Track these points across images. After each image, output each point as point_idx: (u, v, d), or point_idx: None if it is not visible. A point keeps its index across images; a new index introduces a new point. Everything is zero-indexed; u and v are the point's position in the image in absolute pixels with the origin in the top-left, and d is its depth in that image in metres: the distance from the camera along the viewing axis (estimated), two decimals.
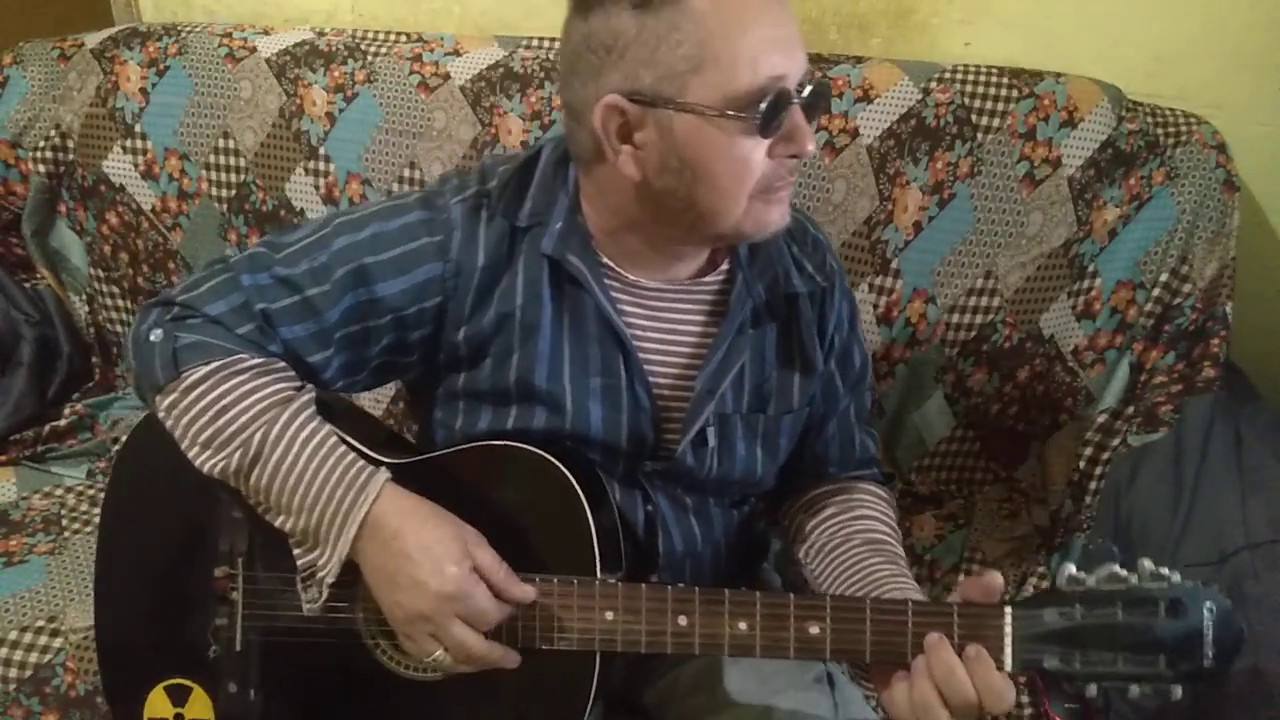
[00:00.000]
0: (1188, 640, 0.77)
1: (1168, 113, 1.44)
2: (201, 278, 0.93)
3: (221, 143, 1.64)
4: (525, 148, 1.51)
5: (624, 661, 0.90)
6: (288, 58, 1.62)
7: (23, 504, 1.53)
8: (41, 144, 1.70)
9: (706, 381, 0.98)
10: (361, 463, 0.89)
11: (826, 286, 1.04)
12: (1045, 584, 1.33)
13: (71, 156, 1.70)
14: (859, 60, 1.50)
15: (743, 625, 0.86)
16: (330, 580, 0.88)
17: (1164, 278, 1.40)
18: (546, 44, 1.58)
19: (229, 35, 1.67)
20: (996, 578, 0.82)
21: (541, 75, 1.54)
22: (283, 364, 0.92)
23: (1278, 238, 1.53)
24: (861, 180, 1.44)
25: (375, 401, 1.62)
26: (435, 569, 0.84)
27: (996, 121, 1.41)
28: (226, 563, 0.96)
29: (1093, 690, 0.79)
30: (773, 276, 1.01)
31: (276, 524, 0.89)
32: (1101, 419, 1.40)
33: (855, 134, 1.44)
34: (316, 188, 1.61)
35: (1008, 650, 0.80)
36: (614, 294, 0.97)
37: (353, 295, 0.92)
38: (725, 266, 1.00)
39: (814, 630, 0.85)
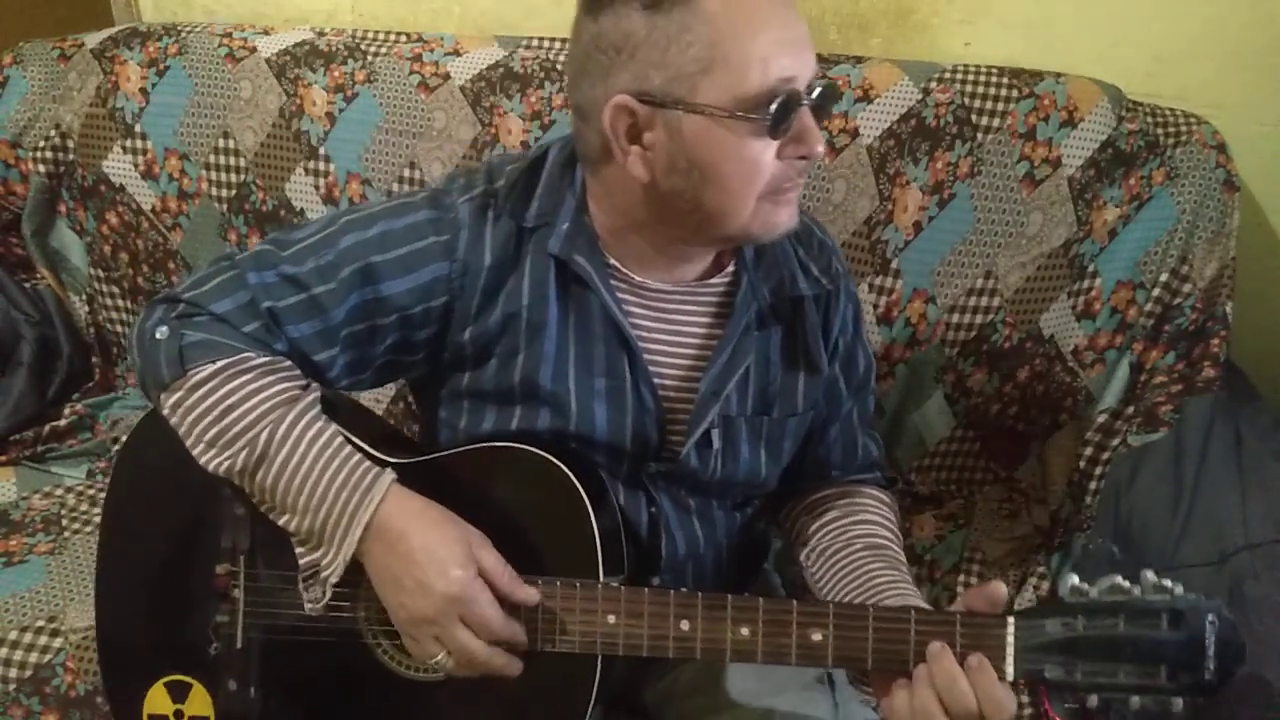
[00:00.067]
0: (1189, 653, 0.77)
1: (1168, 113, 1.44)
2: (207, 275, 0.92)
3: (221, 143, 1.64)
4: (525, 148, 1.53)
5: (624, 662, 0.90)
6: (288, 58, 1.62)
7: (23, 504, 1.53)
8: (41, 144, 1.70)
9: (711, 383, 0.98)
10: (367, 463, 0.89)
11: (832, 289, 1.04)
12: (1045, 584, 1.33)
13: (71, 156, 1.70)
14: (859, 60, 1.50)
15: (745, 631, 0.86)
16: (334, 580, 0.88)
17: (1164, 278, 1.40)
18: (546, 44, 1.58)
19: (229, 35, 1.67)
20: (1000, 588, 0.82)
21: (541, 75, 1.54)
22: (288, 363, 0.92)
23: (1278, 238, 1.53)
24: (861, 180, 1.44)
25: (375, 401, 1.62)
26: (441, 572, 0.84)
27: (996, 121, 1.41)
28: (228, 560, 0.96)
29: (1094, 701, 0.79)
30: (778, 279, 1.00)
31: (280, 523, 0.89)
32: (1101, 419, 1.40)
33: (855, 134, 1.44)
34: (316, 188, 1.61)
35: (1010, 660, 0.81)
36: (620, 295, 0.96)
37: (359, 294, 0.92)
38: (731, 268, 1.00)
39: (816, 637, 0.85)
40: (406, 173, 1.57)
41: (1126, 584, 0.79)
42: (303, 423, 0.88)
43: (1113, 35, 1.48)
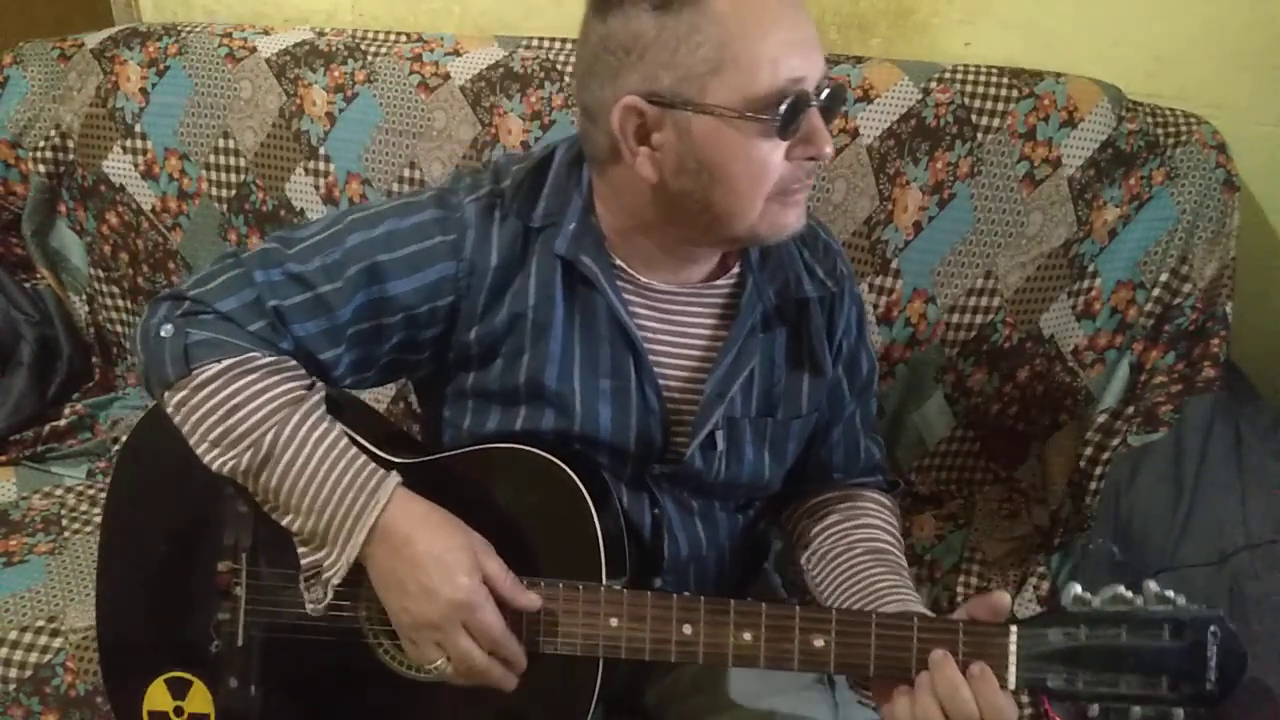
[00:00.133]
0: (1191, 663, 0.78)
1: (1168, 113, 1.44)
2: (213, 272, 0.92)
3: (221, 143, 1.64)
4: (525, 148, 1.53)
5: (626, 663, 0.90)
6: (288, 58, 1.62)
7: (23, 504, 1.53)
8: (41, 144, 1.70)
9: (716, 385, 0.98)
10: (373, 466, 0.89)
11: (836, 292, 1.04)
12: (1045, 584, 1.33)
13: (71, 156, 1.70)
14: (859, 60, 1.50)
15: (747, 636, 0.86)
16: (336, 582, 0.88)
17: (1164, 278, 1.40)
18: (546, 44, 1.58)
19: (229, 35, 1.67)
20: (1004, 598, 0.83)
21: (541, 75, 1.54)
22: (294, 362, 0.92)
23: (1278, 238, 1.53)
24: (861, 180, 1.44)
25: (375, 401, 1.62)
26: (447, 578, 0.84)
27: (996, 121, 1.41)
28: (230, 557, 0.96)
29: (1095, 710, 0.80)
30: (783, 281, 1.00)
31: (284, 523, 0.89)
32: (1101, 419, 1.40)
33: (855, 134, 1.44)
34: (316, 188, 1.61)
35: (1012, 669, 0.81)
36: (626, 296, 0.96)
37: (365, 293, 0.92)
38: (736, 270, 1.00)
39: (818, 643, 0.85)
40: (406, 173, 1.57)
41: (1129, 594, 0.79)
42: (308, 424, 0.88)
43: (1113, 35, 1.48)
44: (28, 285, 1.76)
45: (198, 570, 0.97)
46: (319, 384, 0.93)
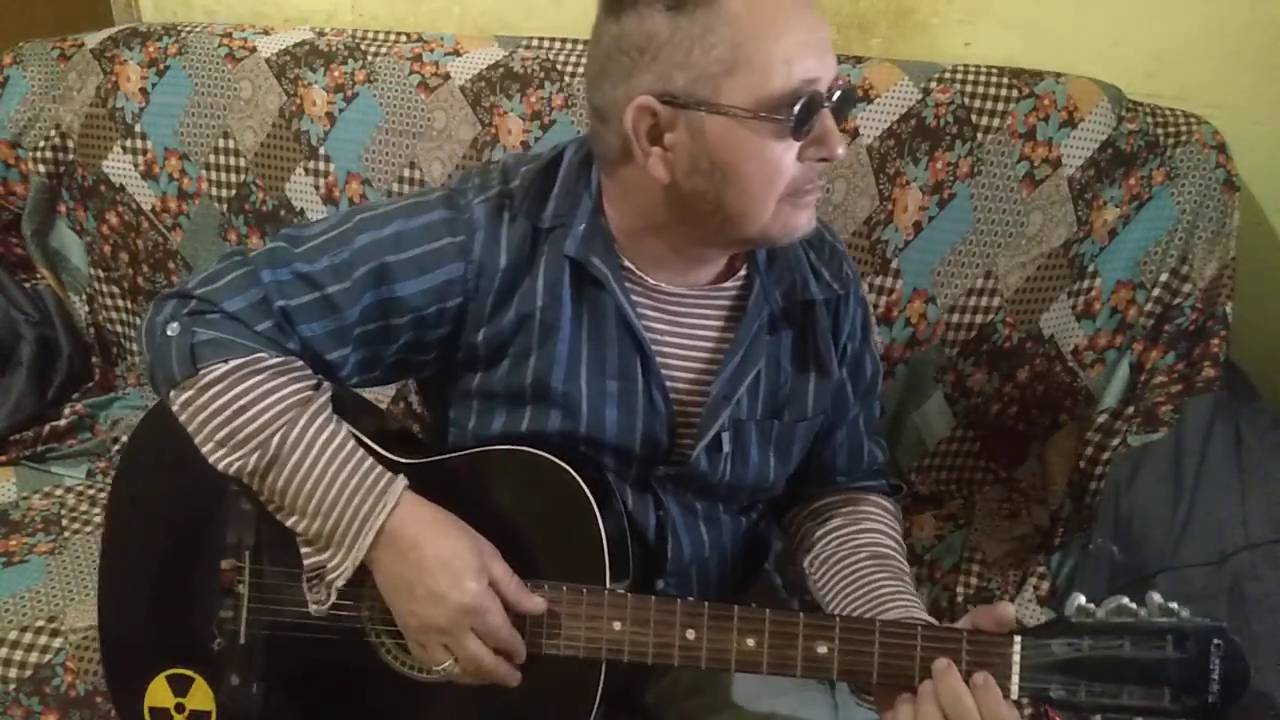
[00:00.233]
0: (1194, 676, 0.78)
1: (1168, 113, 1.44)
2: (219, 271, 0.92)
3: (221, 143, 1.64)
4: (525, 148, 1.53)
5: (627, 663, 0.90)
6: (288, 58, 1.62)
7: (23, 504, 1.53)
8: (41, 144, 1.70)
9: (722, 387, 0.98)
10: (380, 469, 0.89)
11: (842, 294, 1.04)
12: (1045, 584, 1.33)
13: (71, 156, 1.71)
14: (859, 60, 1.50)
15: (750, 642, 0.86)
16: (341, 583, 0.88)
17: (1164, 278, 1.40)
18: (546, 44, 1.58)
19: (229, 35, 1.67)
20: (1008, 609, 0.83)
21: (541, 75, 1.54)
22: (300, 362, 0.92)
23: (1278, 238, 1.53)
24: (861, 180, 1.44)
25: (375, 401, 1.61)
26: (455, 582, 0.84)
27: (996, 121, 1.41)
28: (234, 555, 0.96)
29: None
30: (790, 283, 1.00)
31: (289, 524, 0.89)
32: (1101, 419, 1.40)
33: (855, 134, 1.44)
34: (316, 188, 1.61)
35: (1015, 679, 0.81)
36: (634, 298, 0.96)
37: (373, 293, 0.92)
38: (743, 272, 1.00)
39: (822, 650, 0.85)
40: (406, 173, 1.57)
41: (1133, 605, 0.80)
42: (315, 425, 0.88)
43: (1113, 35, 1.48)
44: (28, 285, 1.76)
45: (201, 568, 0.97)
46: (326, 384, 0.92)
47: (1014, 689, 0.81)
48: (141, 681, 0.99)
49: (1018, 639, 0.81)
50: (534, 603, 0.88)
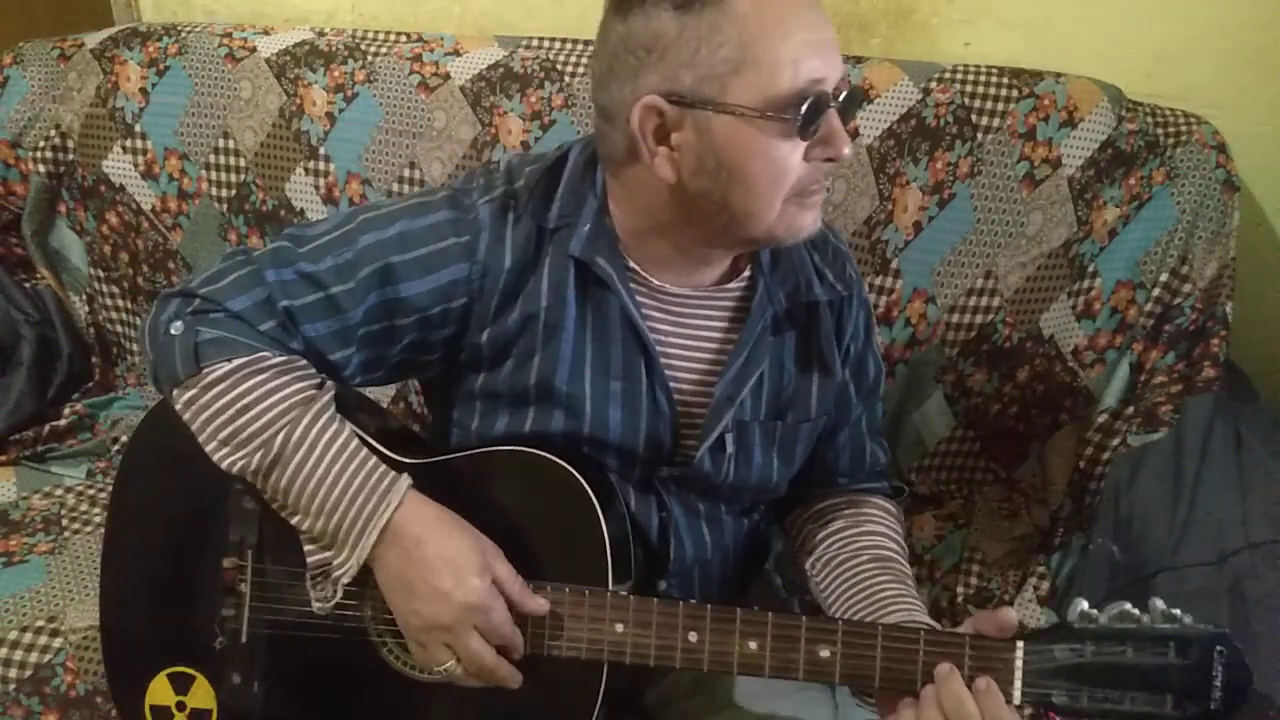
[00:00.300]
0: (1196, 682, 0.78)
1: (1168, 113, 1.44)
2: (223, 270, 0.91)
3: (221, 143, 1.64)
4: (525, 148, 1.53)
5: (629, 666, 0.90)
6: (288, 58, 1.62)
7: (23, 504, 1.53)
8: (41, 144, 1.70)
9: (726, 388, 0.98)
10: (384, 467, 0.89)
11: (846, 295, 1.04)
12: (1045, 584, 1.33)
13: (71, 156, 1.70)
14: (859, 60, 1.50)
15: (753, 645, 0.86)
16: (345, 582, 0.88)
17: (1164, 278, 1.40)
18: (546, 44, 1.58)
19: (229, 35, 1.67)
20: (1011, 615, 0.83)
21: (541, 75, 1.54)
22: (304, 362, 0.92)
23: (1278, 238, 1.53)
24: (861, 180, 1.44)
25: (375, 400, 1.62)
26: (459, 581, 0.84)
27: (996, 121, 1.41)
28: (236, 554, 0.97)
29: None
30: (794, 284, 1.00)
31: (293, 523, 0.89)
32: (1101, 419, 1.40)
33: (855, 134, 1.44)
34: (316, 188, 1.61)
35: (1017, 684, 0.81)
36: (639, 298, 0.96)
37: (378, 294, 0.92)
38: (747, 273, 1.00)
39: (824, 654, 0.85)
40: (406, 173, 1.57)
41: (1135, 611, 0.80)
42: (319, 424, 0.88)
43: (1113, 35, 1.48)
44: (28, 285, 1.76)
45: (203, 566, 0.97)
46: (329, 383, 0.92)
47: (1016, 694, 0.81)
48: (143, 679, 0.99)
49: (1020, 644, 0.81)
50: (537, 603, 0.88)
